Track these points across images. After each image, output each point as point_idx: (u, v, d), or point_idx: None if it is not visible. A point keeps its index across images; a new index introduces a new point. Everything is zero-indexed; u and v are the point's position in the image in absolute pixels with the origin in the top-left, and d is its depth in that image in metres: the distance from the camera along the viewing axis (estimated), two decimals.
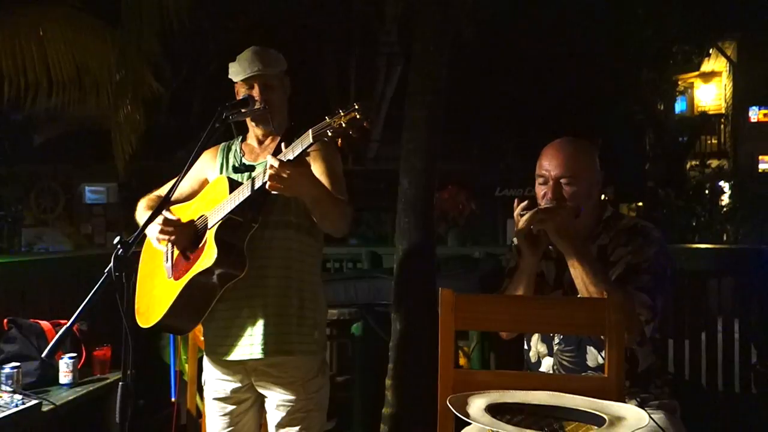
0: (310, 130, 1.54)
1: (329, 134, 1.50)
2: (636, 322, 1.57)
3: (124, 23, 3.70)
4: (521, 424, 1.20)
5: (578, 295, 1.62)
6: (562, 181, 1.66)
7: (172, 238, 1.77)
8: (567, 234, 1.59)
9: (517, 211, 1.64)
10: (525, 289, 1.68)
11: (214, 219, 1.72)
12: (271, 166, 1.56)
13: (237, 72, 1.84)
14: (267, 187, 1.59)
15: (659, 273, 1.63)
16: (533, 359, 1.78)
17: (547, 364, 1.74)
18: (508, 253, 1.91)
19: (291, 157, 1.58)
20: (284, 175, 1.56)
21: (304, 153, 1.59)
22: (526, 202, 1.65)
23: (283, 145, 1.64)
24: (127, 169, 4.05)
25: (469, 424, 1.41)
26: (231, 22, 10.12)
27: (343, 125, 1.47)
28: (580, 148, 1.72)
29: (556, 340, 1.72)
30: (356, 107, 1.47)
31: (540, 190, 1.71)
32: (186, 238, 1.78)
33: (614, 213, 1.76)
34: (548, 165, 1.69)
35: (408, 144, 2.65)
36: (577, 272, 1.58)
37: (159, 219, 1.75)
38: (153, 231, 1.78)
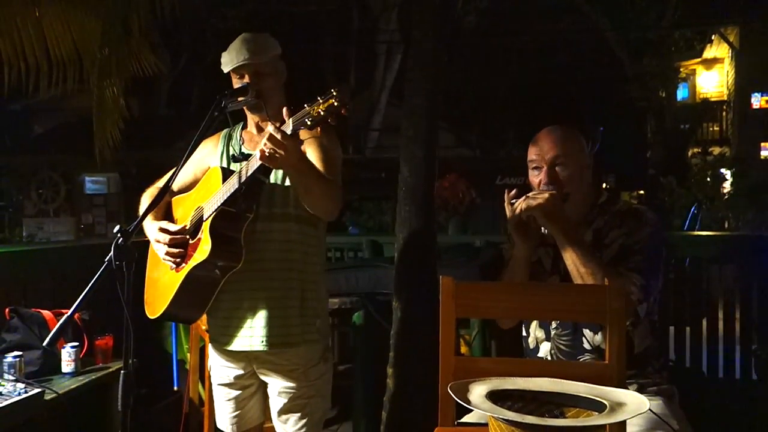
0: (290, 120, 1.53)
1: (308, 123, 1.49)
2: (628, 302, 1.58)
3: None
4: (522, 410, 1.21)
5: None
6: (556, 163, 1.69)
7: (178, 260, 1.76)
8: (556, 218, 1.62)
9: (507, 201, 1.66)
10: (520, 277, 1.70)
11: (208, 211, 1.72)
12: (270, 135, 1.52)
13: (226, 62, 1.82)
14: (260, 158, 1.56)
15: (652, 254, 1.65)
16: (531, 345, 1.79)
17: (544, 350, 1.75)
18: (506, 243, 1.92)
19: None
20: (280, 139, 1.52)
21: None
22: (514, 191, 1.67)
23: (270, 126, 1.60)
24: (112, 159, 3.91)
25: (470, 410, 1.41)
26: (229, 11, 10.07)
27: (322, 113, 1.47)
28: (567, 132, 1.74)
29: (554, 325, 1.73)
30: (334, 94, 1.46)
31: (534, 178, 1.73)
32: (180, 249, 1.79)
33: (609, 198, 1.77)
34: (540, 150, 1.71)
35: (407, 132, 2.64)
36: (567, 255, 1.61)
37: (165, 238, 1.75)
38: (160, 253, 1.78)
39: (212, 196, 1.72)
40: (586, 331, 1.67)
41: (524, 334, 1.83)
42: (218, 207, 1.68)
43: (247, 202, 1.71)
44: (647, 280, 1.61)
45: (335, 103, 1.46)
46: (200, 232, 1.73)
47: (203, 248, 1.68)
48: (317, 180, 1.67)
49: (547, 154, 1.70)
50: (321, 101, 1.47)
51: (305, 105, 1.50)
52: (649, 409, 1.53)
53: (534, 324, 1.78)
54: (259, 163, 1.61)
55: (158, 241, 1.79)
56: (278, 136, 1.51)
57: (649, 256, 1.63)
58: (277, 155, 1.53)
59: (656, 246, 1.66)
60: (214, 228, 1.68)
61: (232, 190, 1.66)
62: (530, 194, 1.65)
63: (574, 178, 1.69)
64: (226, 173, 1.74)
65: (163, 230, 1.78)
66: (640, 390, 1.63)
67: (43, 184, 13.24)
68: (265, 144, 1.53)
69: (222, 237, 1.68)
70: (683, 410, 1.70)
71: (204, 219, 1.73)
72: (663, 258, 1.68)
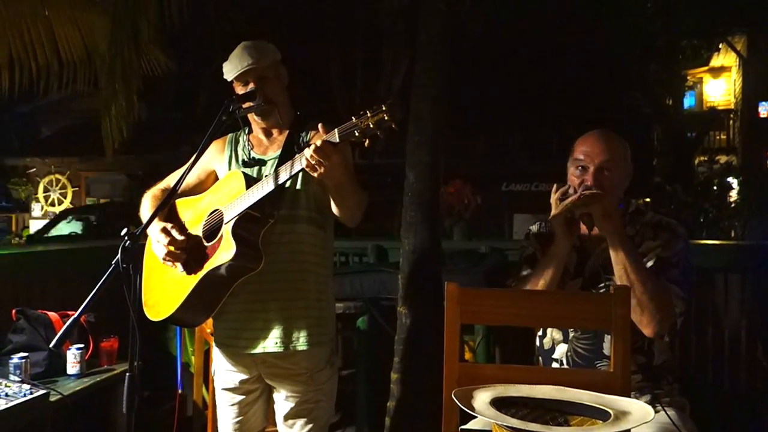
0: (336, 130, 1.53)
1: (356, 134, 1.49)
2: (671, 313, 1.59)
3: None
4: (526, 417, 1.20)
5: (601, 285, 1.63)
6: (605, 167, 1.67)
7: (179, 260, 1.75)
8: (613, 219, 1.60)
9: (556, 196, 1.65)
10: (554, 273, 1.67)
11: (230, 214, 1.71)
12: (317, 148, 1.53)
13: (229, 70, 1.83)
14: (305, 167, 1.57)
15: (687, 268, 1.66)
16: (547, 345, 1.78)
17: (560, 351, 1.74)
18: (524, 241, 1.89)
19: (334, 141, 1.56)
20: (328, 154, 1.53)
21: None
22: (566, 187, 1.66)
23: (320, 128, 1.60)
24: (119, 162, 3.91)
25: (474, 417, 1.41)
26: (236, 14, 10.10)
27: (371, 126, 1.47)
28: (617, 138, 1.73)
29: None
30: (384, 108, 1.46)
31: (576, 178, 1.70)
32: (191, 251, 1.77)
33: (638, 208, 1.77)
34: (589, 152, 1.68)
35: (413, 137, 2.64)
36: (619, 258, 1.59)
37: (164, 239, 1.74)
38: (159, 253, 1.76)
39: (235, 199, 1.72)
40: (608, 337, 1.66)
41: (540, 333, 1.81)
42: (244, 210, 1.68)
43: (272, 206, 1.73)
44: (685, 293, 1.62)
45: (385, 117, 1.45)
46: (219, 235, 1.73)
47: (227, 250, 1.67)
48: (354, 191, 1.70)
49: (598, 156, 1.67)
50: (370, 114, 1.47)
51: (352, 117, 1.50)
52: (667, 414, 1.54)
53: None
54: (295, 171, 1.62)
55: (158, 242, 1.76)
56: (324, 148, 1.52)
57: (684, 270, 1.64)
58: (321, 166, 1.55)
59: (689, 260, 1.67)
60: (237, 231, 1.68)
61: (263, 194, 1.67)
62: (586, 192, 1.62)
63: (618, 185, 1.69)
64: (249, 178, 1.75)
65: (165, 231, 1.77)
66: (653, 401, 1.63)
67: (50, 186, 13.32)
68: (311, 156, 1.54)
69: (244, 240, 1.68)
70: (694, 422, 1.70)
71: (225, 222, 1.72)
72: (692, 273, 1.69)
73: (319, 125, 1.60)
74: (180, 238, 1.76)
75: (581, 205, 1.61)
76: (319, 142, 1.54)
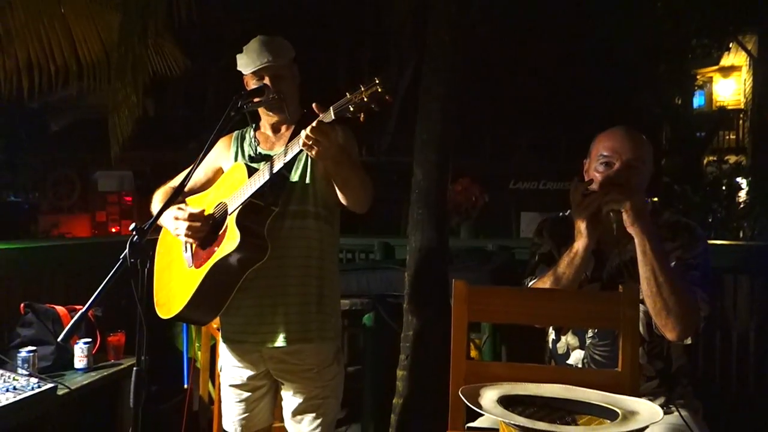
0: (331, 107, 1.53)
1: (351, 109, 1.49)
2: (697, 316, 1.55)
3: None
4: (533, 416, 1.20)
5: (620, 288, 1.58)
6: (633, 164, 1.61)
7: (200, 234, 1.75)
8: (645, 217, 1.54)
9: (579, 190, 1.59)
10: (579, 272, 1.59)
11: (234, 204, 1.72)
12: (313, 128, 1.54)
13: (246, 64, 1.83)
14: (302, 145, 1.58)
15: (708, 270, 1.61)
16: (561, 350, 1.74)
17: (576, 357, 1.71)
18: (537, 238, 1.81)
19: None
20: (326, 132, 1.53)
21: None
22: (587, 182, 1.60)
23: (314, 107, 1.60)
24: (126, 158, 3.91)
25: (480, 415, 1.41)
26: (245, 12, 10.13)
27: (365, 99, 1.46)
28: (643, 137, 1.68)
29: (590, 333, 1.67)
30: (377, 81, 1.46)
31: (600, 174, 1.63)
32: (207, 230, 1.78)
33: (653, 208, 1.71)
34: (617, 147, 1.62)
35: (422, 136, 2.64)
36: (647, 258, 1.52)
37: (183, 214, 1.74)
38: (180, 229, 1.76)
39: (237, 190, 1.72)
40: None
41: (553, 337, 1.78)
42: (246, 199, 1.68)
43: (274, 195, 1.73)
44: (709, 296, 1.57)
45: (379, 90, 1.45)
46: (224, 226, 1.73)
47: (231, 239, 1.67)
48: (354, 171, 1.69)
49: (626, 153, 1.61)
50: (363, 89, 1.47)
51: (347, 93, 1.50)
52: (680, 415, 1.53)
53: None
54: (291, 155, 1.62)
55: (177, 218, 1.75)
56: (321, 127, 1.53)
57: (705, 272, 1.60)
58: (318, 144, 1.54)
59: (709, 263, 1.63)
60: (240, 220, 1.68)
61: (263, 182, 1.67)
62: (616, 189, 1.56)
63: (641, 184, 1.63)
64: (251, 169, 1.75)
65: (179, 209, 1.77)
66: (667, 403, 1.62)
67: (58, 181, 13.39)
68: (307, 135, 1.54)
69: (248, 229, 1.68)
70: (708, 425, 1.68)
71: (229, 213, 1.73)
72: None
73: (314, 105, 1.58)
74: (196, 211, 1.75)
75: (613, 200, 1.54)
76: (315, 123, 1.54)
